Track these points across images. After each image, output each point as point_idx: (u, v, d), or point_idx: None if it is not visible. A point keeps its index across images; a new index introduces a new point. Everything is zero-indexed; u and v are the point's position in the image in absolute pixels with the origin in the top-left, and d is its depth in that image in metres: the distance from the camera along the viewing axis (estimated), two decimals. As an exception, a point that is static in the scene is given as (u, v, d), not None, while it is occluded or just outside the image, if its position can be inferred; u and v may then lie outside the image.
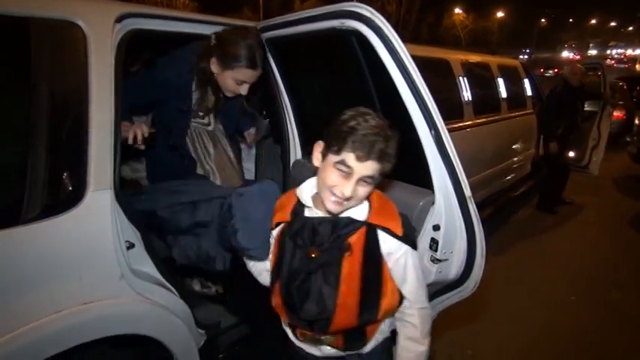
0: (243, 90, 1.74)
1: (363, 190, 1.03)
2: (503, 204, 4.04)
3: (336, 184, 1.01)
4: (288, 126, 2.11)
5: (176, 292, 1.52)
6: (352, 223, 1.07)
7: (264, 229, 1.19)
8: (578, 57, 52.12)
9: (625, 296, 3.01)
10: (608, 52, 62.85)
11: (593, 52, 62.59)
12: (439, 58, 3.47)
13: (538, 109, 4.82)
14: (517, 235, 4.05)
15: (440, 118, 1.28)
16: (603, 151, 4.68)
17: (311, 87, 2.02)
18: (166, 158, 1.82)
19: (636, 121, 6.60)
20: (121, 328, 1.34)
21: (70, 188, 1.23)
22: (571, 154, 4.80)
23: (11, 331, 1.11)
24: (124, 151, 1.46)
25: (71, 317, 1.22)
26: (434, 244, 1.41)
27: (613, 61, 44.55)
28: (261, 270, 1.27)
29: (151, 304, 1.42)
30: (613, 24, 71.13)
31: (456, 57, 3.65)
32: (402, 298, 1.12)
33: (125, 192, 1.45)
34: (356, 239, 1.06)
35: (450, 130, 1.31)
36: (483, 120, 3.71)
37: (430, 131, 1.28)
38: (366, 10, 1.29)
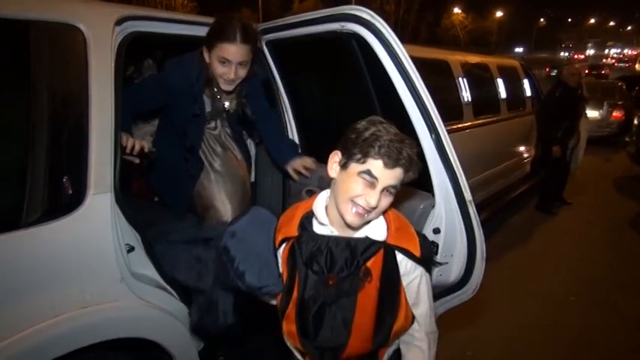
0: (232, 74, 1.63)
1: (386, 200, 0.98)
2: (502, 205, 4.05)
3: (361, 194, 0.96)
4: (289, 129, 2.10)
5: (176, 295, 1.52)
6: (371, 247, 1.02)
7: (270, 260, 1.12)
8: (582, 57, 52.04)
9: (625, 297, 3.02)
10: (606, 51, 62.95)
11: (590, 52, 62.69)
12: (439, 58, 3.48)
13: (537, 109, 4.82)
14: (516, 236, 4.05)
15: (440, 121, 1.28)
16: (583, 150, 4.83)
17: (311, 90, 2.02)
18: (171, 164, 1.81)
19: (635, 122, 6.62)
20: (122, 331, 1.34)
21: (71, 191, 1.22)
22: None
23: (11, 335, 1.10)
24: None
25: (71, 321, 1.21)
26: (434, 247, 1.42)
27: (613, 60, 44.58)
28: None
29: (151, 308, 1.42)
30: (612, 24, 71.28)
31: (455, 58, 3.66)
32: (412, 319, 1.09)
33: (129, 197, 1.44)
34: (374, 262, 1.01)
35: (449, 132, 1.32)
36: (483, 121, 3.72)
37: (430, 135, 1.29)
38: (367, 14, 1.29)
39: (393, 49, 1.27)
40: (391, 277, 1.03)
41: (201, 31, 1.73)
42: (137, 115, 1.85)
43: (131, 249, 1.39)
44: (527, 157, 4.84)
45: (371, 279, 1.00)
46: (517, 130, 4.47)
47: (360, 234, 1.04)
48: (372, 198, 0.95)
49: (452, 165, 1.29)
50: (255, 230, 1.14)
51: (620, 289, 3.14)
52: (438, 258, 1.39)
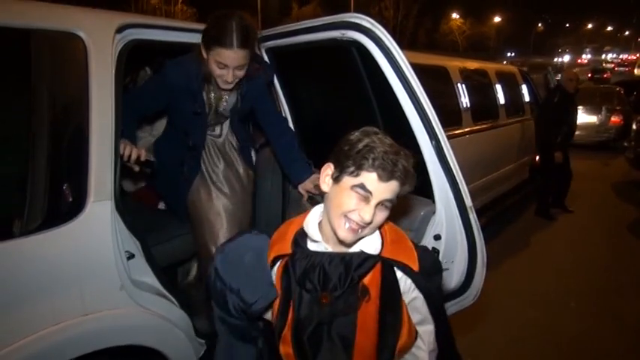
0: (229, 76, 1.59)
1: (381, 215, 0.94)
2: (501, 210, 4.06)
3: (354, 209, 0.91)
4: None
5: (176, 303, 1.52)
6: (366, 261, 0.96)
7: (262, 274, 1.05)
8: (584, 61, 52.02)
9: (625, 302, 3.01)
10: (603, 56, 63.24)
11: (588, 56, 62.97)
12: (437, 65, 3.50)
13: (536, 115, 4.84)
14: (516, 241, 4.05)
15: (440, 128, 1.29)
16: None
17: (311, 97, 2.03)
18: (170, 167, 1.80)
19: (634, 127, 6.63)
20: (122, 339, 1.34)
21: (71, 199, 1.23)
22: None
23: (11, 343, 1.10)
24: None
25: (72, 329, 1.21)
26: (435, 253, 1.42)
27: (613, 65, 44.71)
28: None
29: (152, 315, 1.41)
30: (610, 29, 71.67)
31: (453, 64, 3.68)
32: (415, 334, 1.03)
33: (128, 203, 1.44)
34: (371, 279, 0.96)
35: (448, 137, 1.32)
36: (482, 126, 3.73)
37: (431, 141, 1.29)
38: (367, 22, 1.30)
39: (394, 56, 1.28)
40: (392, 294, 0.97)
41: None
42: (141, 120, 1.84)
43: (131, 256, 1.39)
44: (525, 163, 4.84)
45: (369, 298, 0.95)
46: (516, 136, 4.49)
47: (354, 249, 1.00)
48: (366, 213, 0.90)
49: (452, 171, 1.30)
50: (245, 248, 1.09)
51: (619, 293, 3.14)
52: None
